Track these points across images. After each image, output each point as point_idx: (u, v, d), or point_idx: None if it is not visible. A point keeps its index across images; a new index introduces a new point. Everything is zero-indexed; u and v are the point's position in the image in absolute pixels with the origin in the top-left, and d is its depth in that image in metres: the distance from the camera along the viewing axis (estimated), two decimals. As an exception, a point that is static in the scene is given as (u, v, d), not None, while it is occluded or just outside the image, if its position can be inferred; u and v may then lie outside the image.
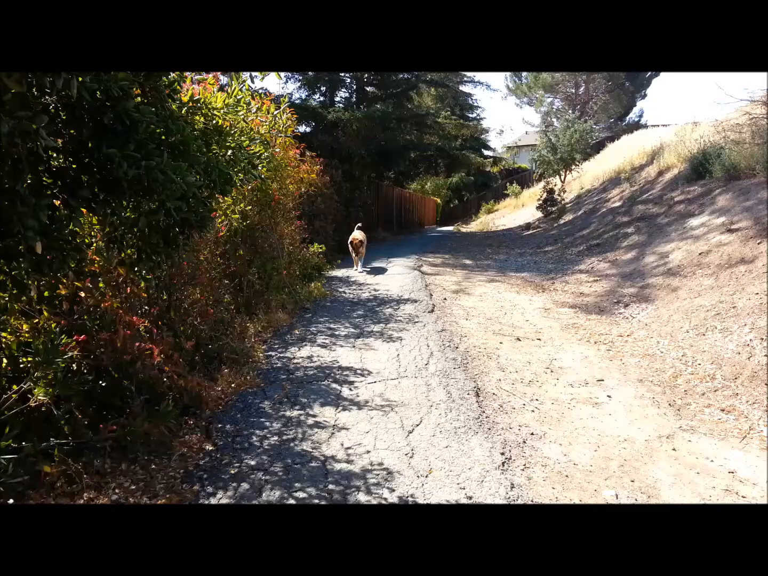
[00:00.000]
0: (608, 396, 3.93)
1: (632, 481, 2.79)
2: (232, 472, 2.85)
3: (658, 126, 21.91)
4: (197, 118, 3.23)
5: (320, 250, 9.12)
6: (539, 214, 17.92)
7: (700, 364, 4.35)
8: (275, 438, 3.25)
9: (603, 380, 4.23)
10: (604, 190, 15.30)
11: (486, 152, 32.37)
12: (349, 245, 10.02)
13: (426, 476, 2.78)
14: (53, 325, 2.85)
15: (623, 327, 5.62)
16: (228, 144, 3.46)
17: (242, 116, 3.71)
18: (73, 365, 2.89)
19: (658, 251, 7.65)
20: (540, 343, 5.25)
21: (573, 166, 19.85)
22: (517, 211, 24.43)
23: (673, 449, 3.16)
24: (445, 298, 7.32)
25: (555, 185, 18.09)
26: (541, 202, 17.53)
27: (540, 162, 20.52)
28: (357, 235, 10.03)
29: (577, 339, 5.38)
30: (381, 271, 10.21)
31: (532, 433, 3.32)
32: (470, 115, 28.87)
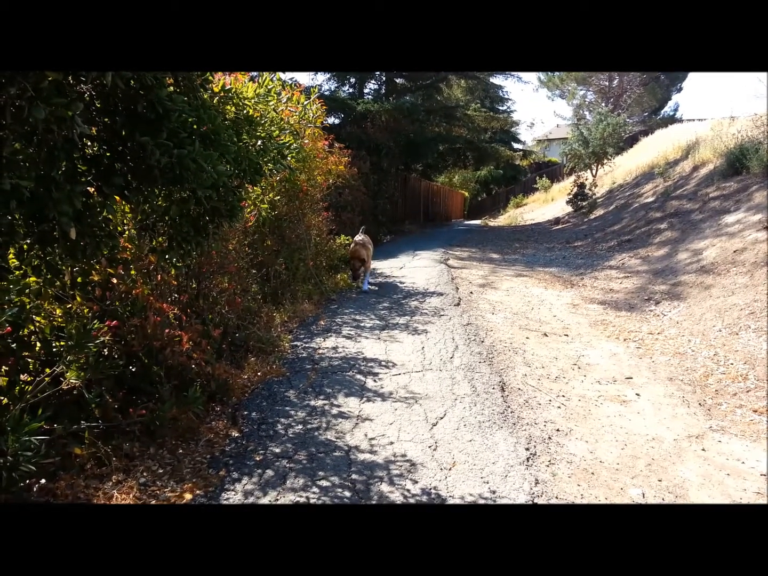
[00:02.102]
0: (637, 394, 3.86)
1: (660, 481, 2.74)
2: (257, 458, 2.89)
3: (694, 120, 21.36)
4: (228, 107, 3.24)
5: (347, 242, 9.13)
6: (569, 209, 17.60)
7: (732, 364, 4.24)
8: (300, 426, 3.28)
9: (632, 378, 4.16)
10: (637, 185, 14.96)
11: (516, 145, 32.05)
12: (350, 260, 7.53)
13: (449, 469, 2.78)
14: (86, 311, 2.92)
15: (654, 324, 5.51)
16: (258, 134, 3.47)
17: (272, 106, 3.73)
18: (105, 350, 2.95)
19: (691, 248, 7.47)
20: (567, 339, 5.18)
21: (605, 160, 19.43)
22: (546, 205, 24.06)
23: (703, 449, 3.09)
24: (471, 292, 7.28)
25: (586, 179, 17.72)
26: (571, 196, 17.18)
27: (571, 156, 20.14)
28: (360, 244, 7.57)
29: (605, 336, 5.29)
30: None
31: (557, 430, 3.28)
32: (500, 108, 28.47)
